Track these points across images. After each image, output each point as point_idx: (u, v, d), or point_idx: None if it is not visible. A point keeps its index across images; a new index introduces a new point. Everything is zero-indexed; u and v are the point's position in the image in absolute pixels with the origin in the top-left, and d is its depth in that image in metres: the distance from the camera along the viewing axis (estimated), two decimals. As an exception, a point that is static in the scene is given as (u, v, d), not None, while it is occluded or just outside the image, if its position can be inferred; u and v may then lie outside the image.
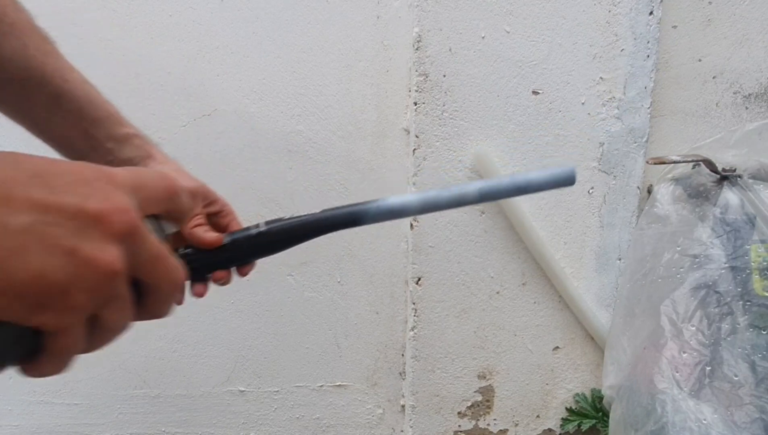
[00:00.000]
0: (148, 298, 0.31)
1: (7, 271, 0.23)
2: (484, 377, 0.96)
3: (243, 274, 0.47)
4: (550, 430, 1.00)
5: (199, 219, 0.47)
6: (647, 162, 0.88)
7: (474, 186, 0.42)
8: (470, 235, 0.90)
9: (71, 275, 0.25)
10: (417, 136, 0.86)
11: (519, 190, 0.42)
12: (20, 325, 0.26)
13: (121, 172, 0.29)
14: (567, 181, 0.42)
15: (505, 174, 0.43)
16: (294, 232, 0.43)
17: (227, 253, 0.43)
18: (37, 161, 0.26)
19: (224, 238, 0.43)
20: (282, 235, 0.43)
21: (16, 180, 0.24)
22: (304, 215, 0.43)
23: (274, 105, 0.89)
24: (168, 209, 0.33)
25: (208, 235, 0.43)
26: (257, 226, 0.43)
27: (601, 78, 0.86)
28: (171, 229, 0.36)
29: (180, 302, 0.34)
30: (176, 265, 0.31)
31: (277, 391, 0.99)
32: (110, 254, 0.26)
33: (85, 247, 0.25)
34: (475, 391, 0.97)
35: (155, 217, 0.33)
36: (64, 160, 0.27)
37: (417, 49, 0.83)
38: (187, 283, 0.44)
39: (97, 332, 0.29)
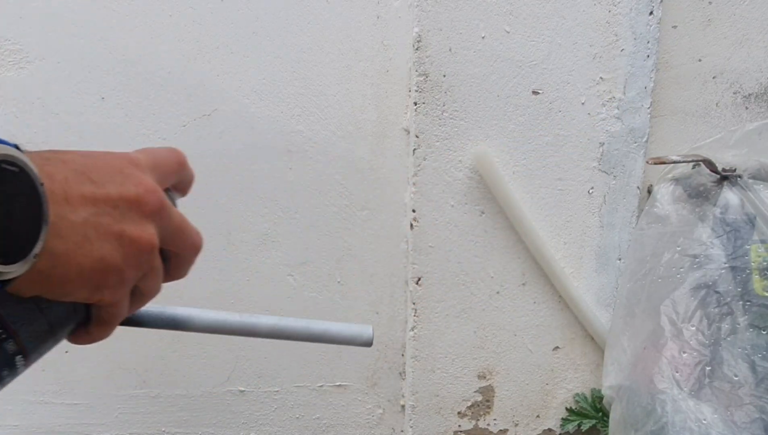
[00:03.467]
0: (173, 264, 0.35)
1: (76, 260, 0.26)
2: (484, 377, 0.96)
3: None
4: (550, 430, 1.00)
5: None
6: (647, 162, 0.88)
7: (267, 320, 0.42)
8: (470, 235, 0.90)
9: (123, 255, 0.28)
10: (417, 136, 0.86)
11: (312, 337, 0.43)
12: (76, 303, 0.29)
13: (140, 156, 0.32)
14: (364, 341, 0.42)
15: (303, 318, 0.44)
16: None
17: None
18: (77, 158, 0.29)
19: None
20: None
21: (69, 180, 0.27)
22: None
23: (274, 105, 0.89)
24: (179, 180, 0.36)
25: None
26: None
27: (601, 78, 0.86)
28: (177, 197, 0.38)
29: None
30: (195, 231, 0.35)
31: (277, 391, 0.99)
32: (148, 232, 0.30)
33: (129, 228, 0.28)
34: (475, 391, 0.97)
35: (167, 190, 0.36)
36: (93, 153, 0.30)
37: (417, 49, 0.83)
38: None
39: (137, 299, 0.33)
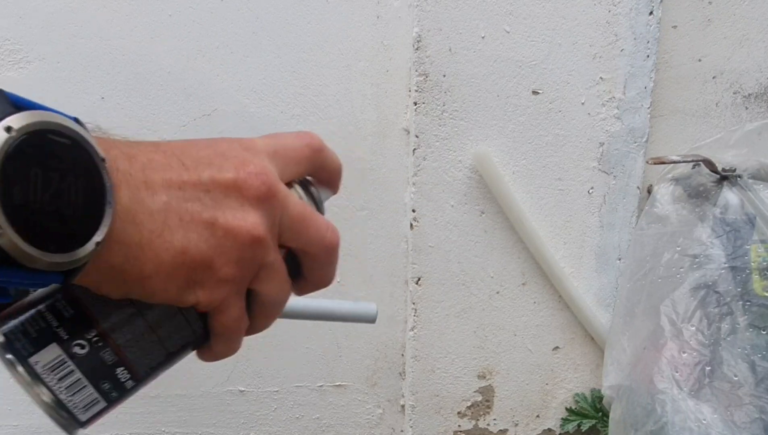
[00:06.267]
0: (304, 265, 0.29)
1: (154, 251, 0.23)
2: (484, 377, 0.96)
3: None
4: (549, 430, 1.00)
5: None
6: (647, 162, 0.88)
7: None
8: (470, 235, 0.90)
9: (214, 247, 0.24)
10: (417, 136, 0.86)
11: (318, 315, 0.42)
12: (186, 313, 0.26)
13: (258, 140, 0.28)
14: (369, 318, 0.42)
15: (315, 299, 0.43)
16: None
17: None
18: (176, 144, 0.25)
19: None
20: None
21: (153, 162, 0.24)
22: None
23: (274, 105, 0.89)
24: (313, 169, 0.31)
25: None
26: None
27: (601, 78, 0.86)
28: (328, 194, 0.33)
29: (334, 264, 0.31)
30: (326, 225, 0.29)
31: (277, 391, 0.99)
32: (250, 221, 0.25)
33: (223, 217, 0.24)
34: (475, 391, 0.97)
35: (307, 184, 0.31)
36: (202, 139, 0.26)
37: (417, 49, 0.83)
38: None
39: (258, 307, 0.28)
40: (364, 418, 1.02)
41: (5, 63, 0.83)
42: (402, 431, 1.03)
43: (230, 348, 0.29)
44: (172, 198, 0.23)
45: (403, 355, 1.00)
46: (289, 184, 0.29)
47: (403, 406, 1.02)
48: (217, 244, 0.24)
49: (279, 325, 0.43)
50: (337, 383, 1.00)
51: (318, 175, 0.32)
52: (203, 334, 0.28)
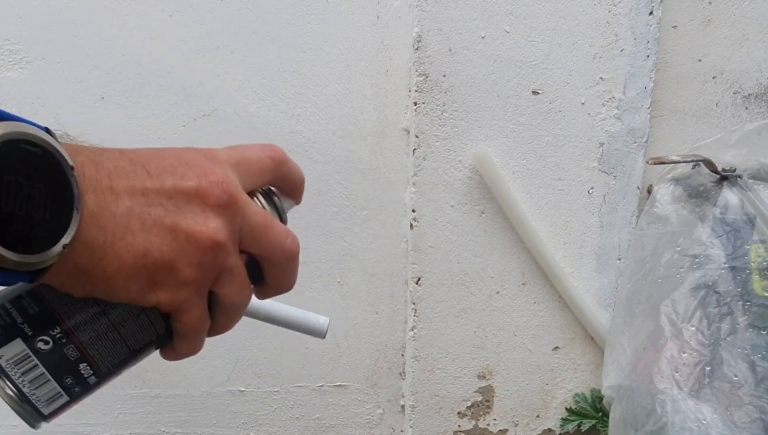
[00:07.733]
0: (265, 270, 0.31)
1: (116, 253, 0.24)
2: (484, 377, 0.96)
3: None
4: (549, 430, 1.00)
5: None
6: (647, 162, 0.88)
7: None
8: (470, 235, 0.90)
9: (176, 250, 0.26)
10: (417, 136, 0.86)
11: (267, 317, 0.41)
12: (149, 313, 0.27)
13: (222, 150, 0.30)
14: (317, 331, 0.41)
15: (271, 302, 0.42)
16: None
17: None
18: (142, 152, 0.27)
19: None
20: None
21: (119, 169, 0.25)
22: None
23: (274, 105, 0.89)
24: (275, 180, 0.32)
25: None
26: None
27: (601, 78, 0.86)
28: (291, 204, 0.34)
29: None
30: (285, 232, 0.31)
31: (277, 391, 0.99)
32: (211, 226, 0.26)
33: (185, 222, 0.26)
34: (474, 391, 0.97)
35: (270, 194, 0.32)
36: (169, 148, 0.28)
37: (417, 49, 0.83)
38: None
39: (219, 308, 0.30)
40: (364, 418, 1.02)
41: (5, 63, 0.83)
42: (402, 431, 1.03)
43: (193, 348, 0.30)
44: (135, 203, 0.25)
45: (403, 355, 1.00)
46: (251, 194, 0.31)
47: (403, 406, 1.02)
48: (179, 247, 0.26)
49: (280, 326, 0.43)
50: (337, 383, 1.00)
51: (281, 186, 0.33)
52: (166, 334, 0.29)
